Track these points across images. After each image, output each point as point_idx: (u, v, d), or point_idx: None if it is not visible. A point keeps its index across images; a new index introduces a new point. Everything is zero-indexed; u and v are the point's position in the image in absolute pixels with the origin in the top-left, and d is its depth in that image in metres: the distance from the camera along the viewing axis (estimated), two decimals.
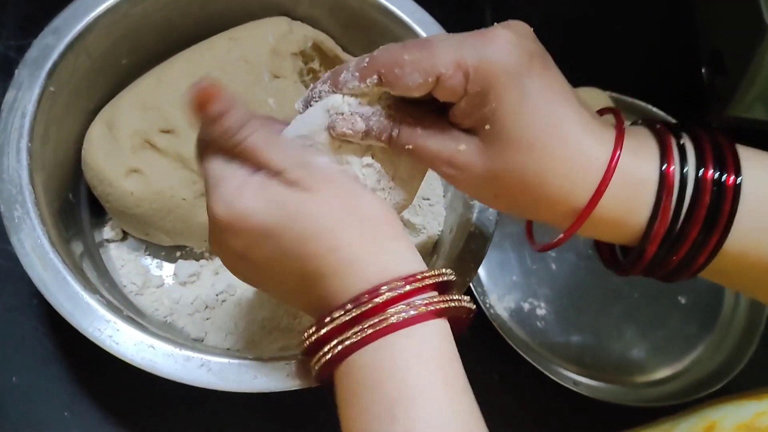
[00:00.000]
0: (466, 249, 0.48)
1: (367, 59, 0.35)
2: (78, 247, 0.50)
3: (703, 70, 0.68)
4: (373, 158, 0.37)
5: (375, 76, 0.34)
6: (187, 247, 0.54)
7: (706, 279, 0.62)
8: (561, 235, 0.36)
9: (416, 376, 0.31)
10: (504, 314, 0.59)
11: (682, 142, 0.34)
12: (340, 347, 0.32)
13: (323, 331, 0.33)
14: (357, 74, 0.35)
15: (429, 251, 0.54)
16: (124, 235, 0.54)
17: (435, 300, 0.33)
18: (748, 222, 0.33)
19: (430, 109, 0.36)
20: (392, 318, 0.31)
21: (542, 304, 0.60)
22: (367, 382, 0.32)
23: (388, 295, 0.32)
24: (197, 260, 0.54)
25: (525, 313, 0.59)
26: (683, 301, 0.63)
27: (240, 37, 0.54)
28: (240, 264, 0.37)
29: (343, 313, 0.32)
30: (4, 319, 0.52)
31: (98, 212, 0.54)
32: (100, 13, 0.50)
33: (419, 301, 0.32)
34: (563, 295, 0.61)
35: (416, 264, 0.34)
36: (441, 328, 0.33)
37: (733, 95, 0.63)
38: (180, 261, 0.54)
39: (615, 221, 0.34)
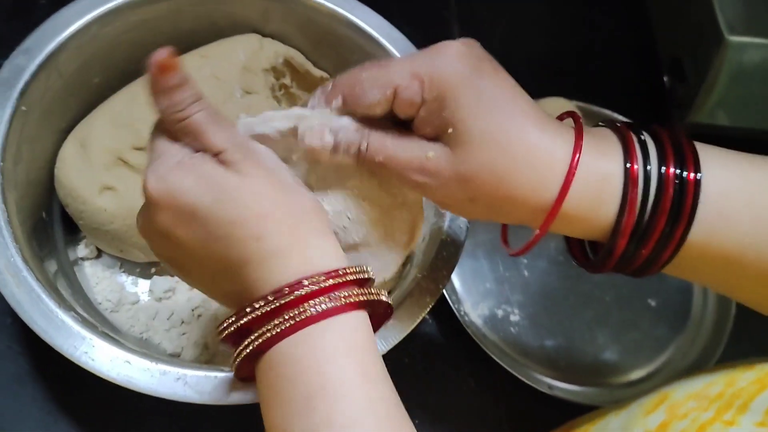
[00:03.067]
0: (439, 256, 0.49)
1: (330, 85, 0.37)
2: (52, 266, 0.50)
3: (664, 78, 0.70)
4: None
5: (339, 98, 0.36)
6: (161, 262, 0.54)
7: (675, 281, 0.64)
8: (532, 238, 0.37)
9: (334, 367, 0.32)
10: (478, 321, 0.60)
11: (643, 140, 0.36)
12: (260, 339, 0.33)
13: (243, 321, 0.33)
14: (322, 99, 0.37)
15: (402, 260, 0.55)
16: (99, 253, 0.55)
17: (354, 294, 0.33)
18: (707, 217, 0.35)
19: (394, 125, 0.37)
20: (311, 310, 0.32)
21: (515, 311, 0.61)
22: (287, 375, 0.32)
23: (309, 288, 0.32)
24: (172, 276, 0.54)
25: (499, 320, 0.60)
26: (653, 303, 0.64)
27: (211, 55, 0.55)
28: (163, 243, 0.36)
29: (263, 304, 0.33)
30: None
31: (72, 230, 0.54)
32: (71, 34, 0.50)
33: (339, 295, 0.33)
34: (536, 300, 0.62)
35: (339, 260, 0.35)
36: (359, 320, 0.34)
37: (694, 102, 0.65)
38: (155, 277, 0.54)
39: (584, 218, 0.35)
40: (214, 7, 0.56)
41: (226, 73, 0.54)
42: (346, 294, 0.33)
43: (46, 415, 0.50)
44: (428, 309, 0.47)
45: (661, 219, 0.35)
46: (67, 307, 0.43)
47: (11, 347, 0.52)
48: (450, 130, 0.34)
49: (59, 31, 0.50)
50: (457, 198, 0.36)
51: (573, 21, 0.79)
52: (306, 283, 0.33)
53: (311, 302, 0.32)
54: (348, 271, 0.34)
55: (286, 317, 0.32)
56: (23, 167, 0.48)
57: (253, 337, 0.33)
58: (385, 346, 0.44)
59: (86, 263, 0.54)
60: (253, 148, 0.35)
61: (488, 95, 0.34)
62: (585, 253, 0.42)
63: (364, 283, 0.35)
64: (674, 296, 0.65)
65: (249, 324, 0.33)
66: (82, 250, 0.54)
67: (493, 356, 0.56)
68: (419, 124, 0.35)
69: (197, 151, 0.35)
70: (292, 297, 0.32)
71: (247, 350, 0.33)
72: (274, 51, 0.56)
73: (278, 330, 0.32)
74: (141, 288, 0.54)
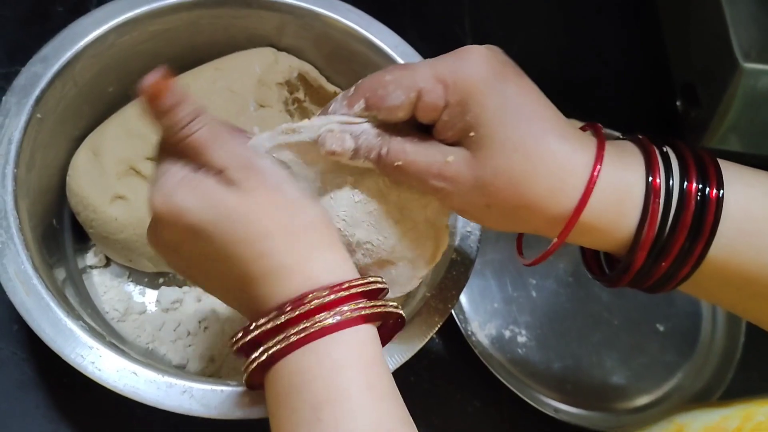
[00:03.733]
0: (448, 276, 0.49)
1: (353, 88, 0.37)
2: (61, 273, 0.50)
3: (677, 103, 0.70)
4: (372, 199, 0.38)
5: (362, 101, 0.36)
6: (169, 273, 0.54)
7: (684, 306, 0.64)
8: (549, 247, 0.36)
9: (342, 379, 0.32)
10: (485, 341, 0.60)
11: (665, 153, 0.35)
12: (266, 354, 0.33)
13: (249, 337, 0.33)
14: (345, 102, 0.36)
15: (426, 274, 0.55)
16: (107, 262, 0.54)
17: (361, 306, 0.33)
18: (729, 233, 0.34)
19: (415, 129, 0.37)
20: (317, 325, 0.32)
21: (523, 331, 0.61)
22: (294, 386, 0.32)
23: (313, 303, 0.32)
24: (180, 287, 0.54)
25: (506, 340, 0.60)
26: (662, 328, 0.63)
27: (226, 67, 0.55)
28: (173, 257, 0.37)
29: (268, 320, 0.33)
30: None
31: (81, 238, 0.54)
32: (88, 43, 0.51)
33: (345, 308, 0.33)
34: (543, 322, 0.61)
35: (345, 273, 0.34)
36: (367, 334, 0.34)
37: (707, 127, 0.65)
38: (163, 287, 0.54)
39: (603, 228, 0.35)
40: (231, 20, 0.56)
41: (240, 86, 0.54)
42: (352, 308, 0.33)
43: (48, 422, 0.50)
44: (437, 329, 0.46)
45: (681, 235, 0.34)
46: (75, 316, 0.43)
47: (16, 353, 0.52)
48: (472, 134, 0.34)
49: (77, 39, 0.50)
50: (474, 204, 0.36)
51: (587, 44, 0.79)
52: (309, 298, 0.33)
53: (315, 317, 0.32)
54: (354, 284, 0.34)
55: (292, 332, 0.32)
56: (36, 174, 0.48)
57: (261, 350, 0.33)
58: (392, 365, 0.44)
59: (95, 272, 0.54)
60: (256, 165, 0.35)
61: (512, 100, 0.34)
62: (600, 266, 0.41)
63: (374, 294, 0.35)
64: (683, 321, 0.64)
65: (256, 339, 0.33)
66: (91, 258, 0.54)
67: (499, 377, 0.55)
68: (441, 128, 0.35)
69: (201, 168, 0.35)
70: (295, 313, 0.32)
71: (255, 363, 0.33)
72: (288, 65, 0.57)
73: (284, 344, 0.32)
74: (148, 298, 0.54)
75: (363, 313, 0.33)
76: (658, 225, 0.34)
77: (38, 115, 0.48)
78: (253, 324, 0.33)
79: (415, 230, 0.39)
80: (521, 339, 0.60)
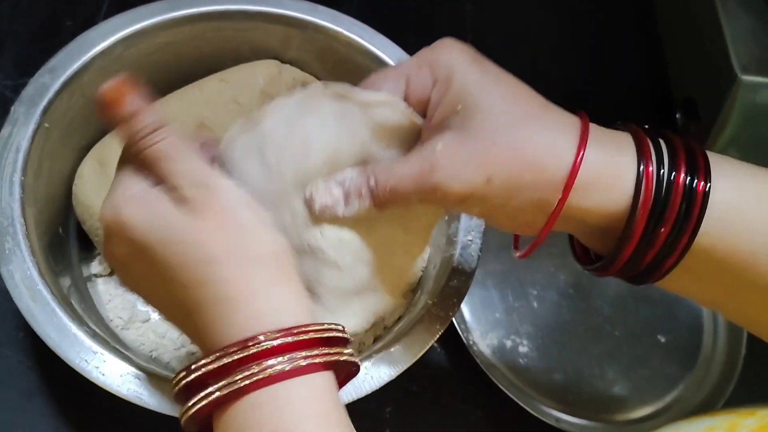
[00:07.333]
0: (449, 285, 0.49)
1: None
2: (66, 281, 0.50)
3: (677, 116, 0.71)
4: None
5: None
6: None
7: (685, 318, 0.64)
8: (553, 210, 0.35)
9: None
10: (487, 351, 0.60)
11: (657, 143, 0.35)
12: (211, 397, 0.30)
13: (191, 377, 0.31)
14: None
15: (413, 287, 0.55)
16: (112, 270, 0.55)
17: (314, 354, 0.31)
18: (715, 225, 0.34)
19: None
20: (267, 371, 0.30)
21: (524, 342, 0.61)
22: None
23: (261, 346, 0.30)
24: None
25: (507, 351, 0.60)
26: (663, 340, 0.64)
27: (231, 79, 0.56)
28: (123, 272, 0.36)
29: (211, 360, 0.30)
30: None
31: (87, 247, 0.55)
32: (96, 54, 0.52)
33: (297, 355, 0.30)
34: (545, 332, 0.61)
35: (297, 315, 0.32)
36: (322, 382, 0.31)
37: (707, 141, 0.66)
38: None
39: (600, 189, 0.35)
40: (236, 33, 0.57)
41: (245, 97, 0.55)
42: (304, 355, 0.31)
43: (54, 430, 0.50)
44: (437, 336, 0.47)
45: (666, 226, 0.34)
46: (80, 322, 0.43)
47: (22, 361, 0.52)
48: (459, 107, 0.35)
49: (84, 51, 0.51)
50: (474, 183, 0.34)
51: (588, 58, 0.80)
52: (257, 341, 0.30)
53: (264, 363, 0.30)
54: (307, 329, 0.31)
55: (238, 376, 0.30)
56: (43, 182, 0.49)
57: (204, 393, 0.30)
58: (394, 372, 0.44)
59: (99, 280, 0.55)
60: (213, 184, 0.33)
61: (493, 75, 0.36)
62: (589, 256, 0.41)
63: (329, 342, 0.32)
64: (684, 334, 0.64)
65: (202, 378, 0.31)
66: (95, 266, 0.54)
67: (500, 386, 0.55)
68: (431, 109, 0.37)
69: (158, 183, 0.33)
70: (241, 355, 0.30)
71: (197, 407, 0.31)
72: (292, 77, 0.57)
73: (229, 390, 0.30)
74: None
75: (316, 361, 0.31)
76: (652, 199, 0.34)
77: (46, 125, 0.49)
78: (194, 365, 0.31)
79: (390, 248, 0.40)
80: (523, 349, 0.60)
